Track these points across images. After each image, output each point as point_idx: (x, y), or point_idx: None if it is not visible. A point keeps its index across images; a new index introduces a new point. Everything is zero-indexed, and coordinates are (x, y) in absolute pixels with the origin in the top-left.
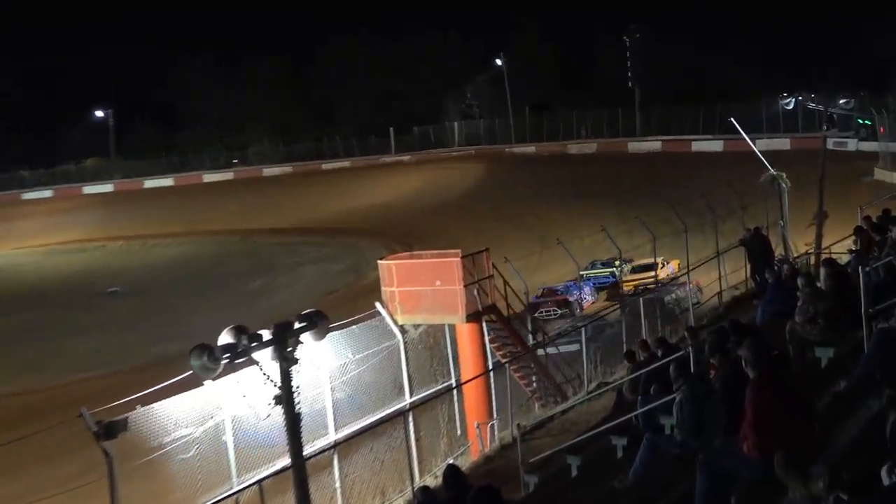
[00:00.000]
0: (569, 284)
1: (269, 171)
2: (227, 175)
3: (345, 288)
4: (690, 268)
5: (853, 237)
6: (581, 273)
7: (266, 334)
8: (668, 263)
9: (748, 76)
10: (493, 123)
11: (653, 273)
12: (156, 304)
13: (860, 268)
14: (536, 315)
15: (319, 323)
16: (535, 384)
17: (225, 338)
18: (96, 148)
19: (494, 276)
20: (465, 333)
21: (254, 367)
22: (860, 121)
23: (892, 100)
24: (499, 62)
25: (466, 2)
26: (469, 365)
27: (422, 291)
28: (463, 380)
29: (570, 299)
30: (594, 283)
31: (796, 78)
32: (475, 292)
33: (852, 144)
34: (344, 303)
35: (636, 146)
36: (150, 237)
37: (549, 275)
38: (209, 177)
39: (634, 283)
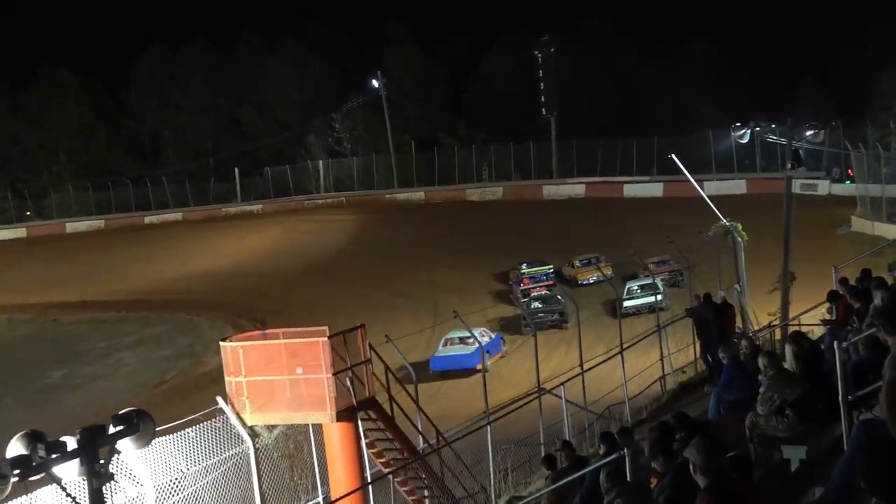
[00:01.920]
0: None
1: (74, 225)
2: (17, 231)
3: (176, 378)
4: (624, 346)
5: (827, 304)
6: (522, 271)
7: (70, 442)
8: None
9: (693, 101)
10: (369, 162)
11: (602, 264)
12: None
13: (836, 343)
14: None
15: (142, 426)
16: (427, 500)
17: (15, 448)
18: None
19: (373, 361)
20: (336, 436)
21: (54, 487)
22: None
23: (872, 130)
24: (375, 84)
25: (332, 8)
26: (341, 476)
27: (278, 382)
28: (333, 496)
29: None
30: (538, 279)
31: (753, 103)
32: (348, 382)
33: (823, 187)
34: (175, 398)
35: (553, 190)
36: None
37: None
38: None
39: (586, 274)
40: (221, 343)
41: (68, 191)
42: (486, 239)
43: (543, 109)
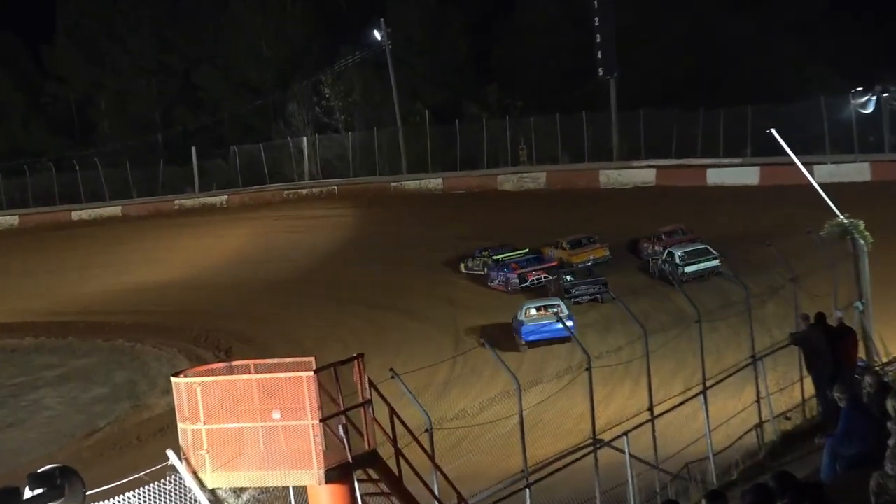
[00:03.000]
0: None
1: None
2: None
3: (112, 426)
4: (708, 383)
5: None
6: (496, 257)
7: None
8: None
9: (798, 58)
10: (369, 140)
11: (597, 245)
12: None
13: None
14: None
15: (69, 488)
16: None
17: None
18: None
19: (374, 403)
20: (326, 502)
21: None
22: None
23: None
24: (377, 35)
25: None
26: None
27: (248, 431)
28: None
29: None
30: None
31: (879, 60)
32: (341, 431)
33: None
34: (111, 452)
35: (613, 176)
36: None
37: (465, 399)
38: None
39: (583, 256)
40: (173, 379)
41: None
42: (524, 241)
43: (600, 69)
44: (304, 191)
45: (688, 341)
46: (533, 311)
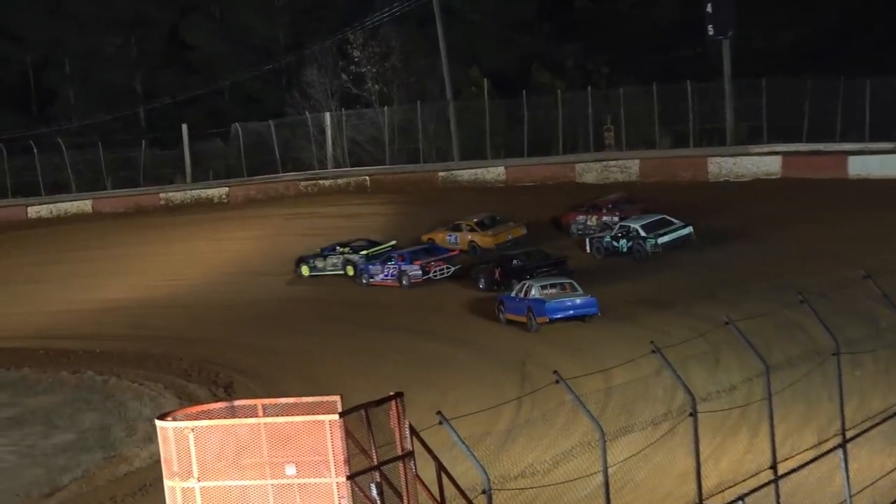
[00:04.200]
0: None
1: None
2: None
3: (80, 483)
4: (848, 436)
5: None
6: (364, 253)
7: None
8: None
9: None
10: (411, 116)
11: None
12: None
13: None
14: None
15: None
16: None
17: None
18: None
19: (417, 455)
20: None
21: None
22: None
23: None
24: None
25: None
26: None
27: (255, 490)
28: None
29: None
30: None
31: None
32: (374, 491)
33: None
34: None
35: (727, 165)
36: None
37: (534, 451)
38: None
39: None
40: (158, 423)
41: None
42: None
43: (710, 26)
44: (327, 182)
45: (822, 380)
46: (551, 289)
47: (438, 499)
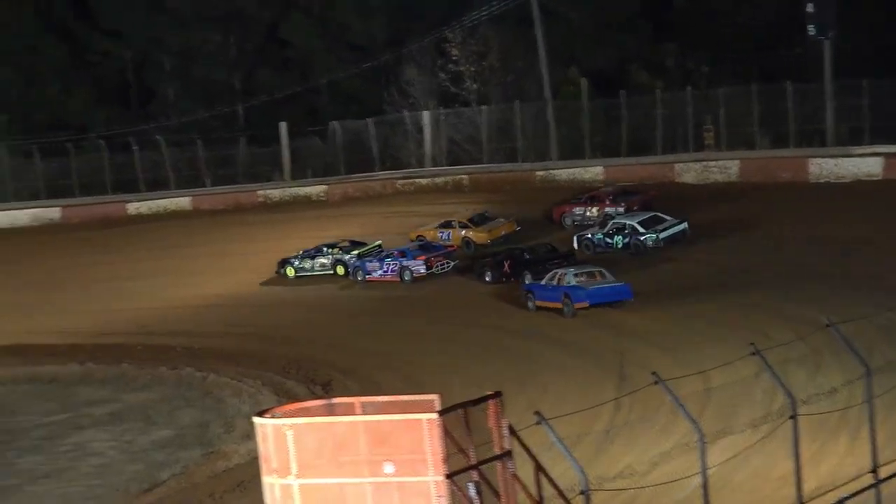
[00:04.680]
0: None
1: (9, 216)
2: None
3: (179, 480)
4: None
5: None
6: (356, 252)
7: None
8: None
9: None
10: (508, 115)
11: (502, 220)
12: None
13: None
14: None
15: None
16: None
17: None
18: None
19: (515, 454)
20: None
21: None
22: None
23: None
24: None
25: None
26: None
27: (352, 488)
28: None
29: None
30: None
31: None
32: (472, 490)
33: None
34: None
35: (828, 166)
36: None
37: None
38: None
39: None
40: (256, 420)
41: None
42: (713, 254)
43: (810, 26)
44: (424, 180)
45: None
46: (585, 276)
47: (536, 498)
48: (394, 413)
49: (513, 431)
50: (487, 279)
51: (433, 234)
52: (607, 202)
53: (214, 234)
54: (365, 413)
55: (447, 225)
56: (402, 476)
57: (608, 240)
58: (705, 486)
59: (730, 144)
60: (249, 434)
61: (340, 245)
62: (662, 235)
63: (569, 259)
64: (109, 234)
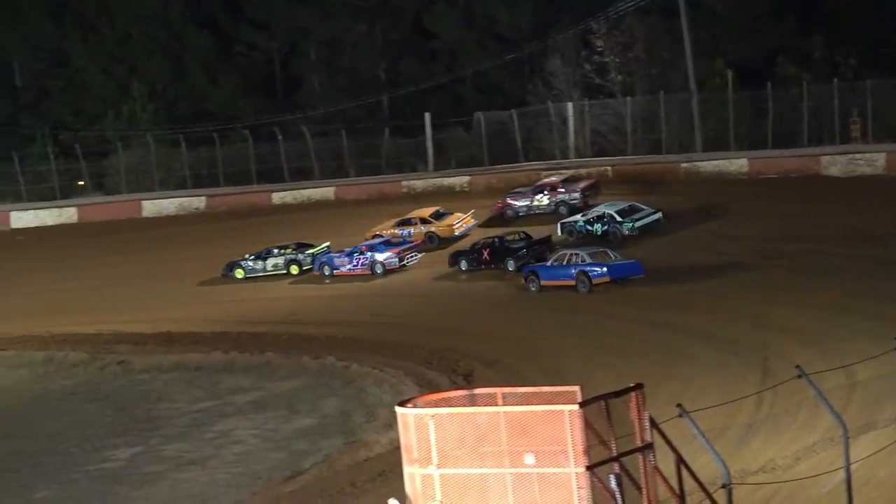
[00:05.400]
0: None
1: (156, 205)
2: (63, 213)
3: (320, 468)
4: None
5: None
6: (311, 252)
7: None
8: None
9: None
10: (653, 107)
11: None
12: None
13: None
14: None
15: None
16: None
17: None
18: None
19: (656, 447)
20: None
21: None
22: None
23: None
24: None
25: None
26: None
27: (494, 478)
28: None
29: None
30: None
31: None
32: (613, 482)
33: None
34: (319, 500)
35: None
36: None
37: (774, 446)
38: (25, 217)
39: (460, 226)
40: (398, 409)
41: (146, 146)
42: (861, 247)
43: None
44: (568, 171)
45: None
46: (599, 256)
47: (677, 492)
48: (535, 404)
49: (654, 424)
50: (462, 268)
51: (391, 233)
52: (560, 190)
53: (358, 224)
54: (506, 404)
55: (406, 223)
56: (542, 467)
57: (588, 227)
58: (849, 481)
59: (877, 137)
60: (391, 423)
61: (289, 246)
62: (638, 224)
63: (546, 244)
64: (254, 224)
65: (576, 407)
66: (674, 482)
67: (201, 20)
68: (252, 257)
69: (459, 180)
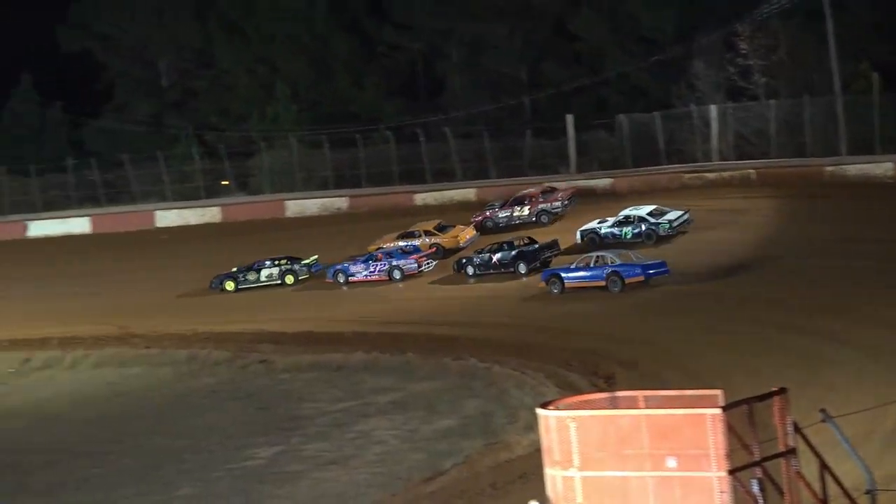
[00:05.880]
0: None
1: (299, 205)
2: (207, 213)
3: (461, 469)
4: None
5: None
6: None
7: None
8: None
9: None
10: (797, 110)
11: (462, 227)
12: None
13: None
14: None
15: None
16: None
17: None
18: None
19: (799, 452)
20: None
21: None
22: None
23: None
24: None
25: None
26: None
27: (635, 482)
28: None
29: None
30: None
31: None
32: (756, 487)
33: None
34: (460, 501)
35: None
36: (41, 344)
37: None
38: (169, 217)
39: (463, 237)
40: (540, 412)
41: (289, 147)
42: None
43: None
44: (711, 174)
45: None
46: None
47: (821, 497)
48: (677, 407)
49: (797, 429)
50: (469, 273)
51: (395, 245)
52: (541, 199)
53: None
54: (648, 406)
55: (410, 235)
56: (684, 471)
57: (616, 231)
58: None
59: None
60: (532, 425)
61: (282, 258)
62: (675, 224)
63: (553, 248)
64: (397, 225)
65: (718, 411)
66: (817, 487)
67: (344, 22)
68: (245, 269)
69: (602, 182)
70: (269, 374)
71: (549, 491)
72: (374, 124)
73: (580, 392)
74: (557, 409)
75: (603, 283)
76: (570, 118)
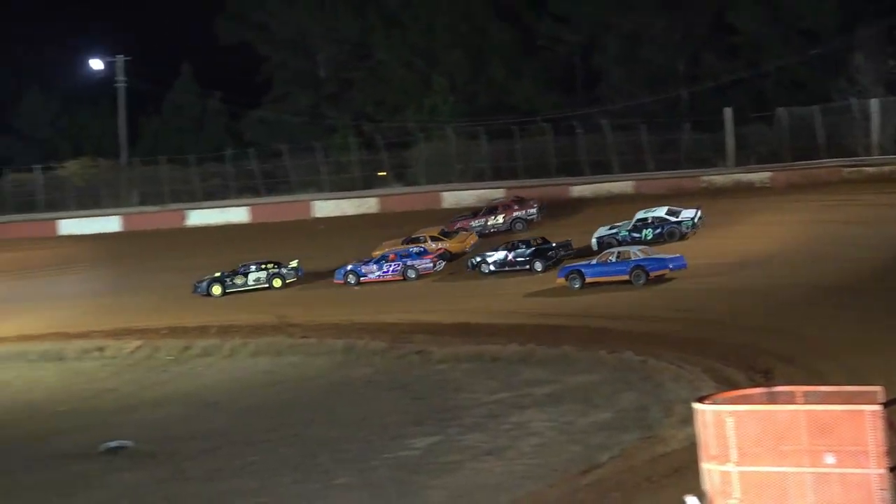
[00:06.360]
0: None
1: (455, 196)
2: (365, 203)
3: (617, 462)
4: None
5: None
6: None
7: None
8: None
9: None
10: None
11: (465, 233)
12: (224, 473)
13: None
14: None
15: None
16: None
17: None
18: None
19: None
20: None
21: None
22: None
23: None
24: None
25: None
26: None
27: (793, 477)
28: None
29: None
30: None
31: None
32: None
33: None
34: (616, 493)
35: None
36: (200, 332)
37: None
38: (326, 207)
39: (468, 243)
40: (696, 406)
41: (446, 138)
42: None
43: None
44: (871, 168)
45: None
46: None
47: None
48: (835, 403)
49: None
50: (484, 271)
51: (385, 249)
52: (515, 208)
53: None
54: (807, 402)
55: (415, 241)
56: (843, 468)
57: (635, 234)
58: None
59: None
60: (688, 419)
61: (268, 262)
62: (697, 221)
63: (566, 247)
64: (552, 214)
65: (878, 407)
66: None
67: (503, 14)
68: (230, 273)
69: (760, 176)
70: (425, 365)
71: (706, 486)
72: (531, 116)
73: (737, 387)
74: (715, 403)
75: (626, 278)
76: (728, 111)
